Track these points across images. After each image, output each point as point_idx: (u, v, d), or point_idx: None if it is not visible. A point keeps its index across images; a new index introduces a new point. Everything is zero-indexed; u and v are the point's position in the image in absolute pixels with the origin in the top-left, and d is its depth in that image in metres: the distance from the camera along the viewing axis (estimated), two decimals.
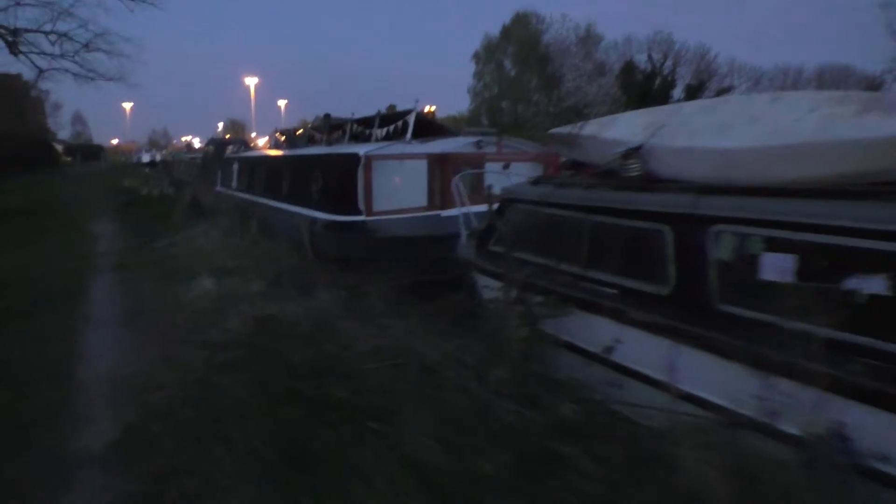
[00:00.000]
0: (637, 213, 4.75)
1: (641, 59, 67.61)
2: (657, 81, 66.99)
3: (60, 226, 17.09)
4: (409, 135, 12.27)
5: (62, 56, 23.39)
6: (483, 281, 6.65)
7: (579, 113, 60.75)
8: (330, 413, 3.86)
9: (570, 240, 5.41)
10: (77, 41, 23.70)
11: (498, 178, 11.47)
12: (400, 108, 16.26)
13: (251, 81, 71.59)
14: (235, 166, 20.19)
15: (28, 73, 27.16)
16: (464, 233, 7.72)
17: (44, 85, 30.69)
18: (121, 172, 43.98)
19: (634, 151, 5.11)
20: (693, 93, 65.83)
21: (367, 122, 14.33)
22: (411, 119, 12.42)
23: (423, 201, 11.41)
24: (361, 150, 11.00)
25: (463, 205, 8.21)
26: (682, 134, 4.86)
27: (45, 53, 23.19)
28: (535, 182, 6.36)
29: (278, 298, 6.76)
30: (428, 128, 12.98)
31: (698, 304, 4.18)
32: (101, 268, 10.72)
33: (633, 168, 5.13)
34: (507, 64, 72.52)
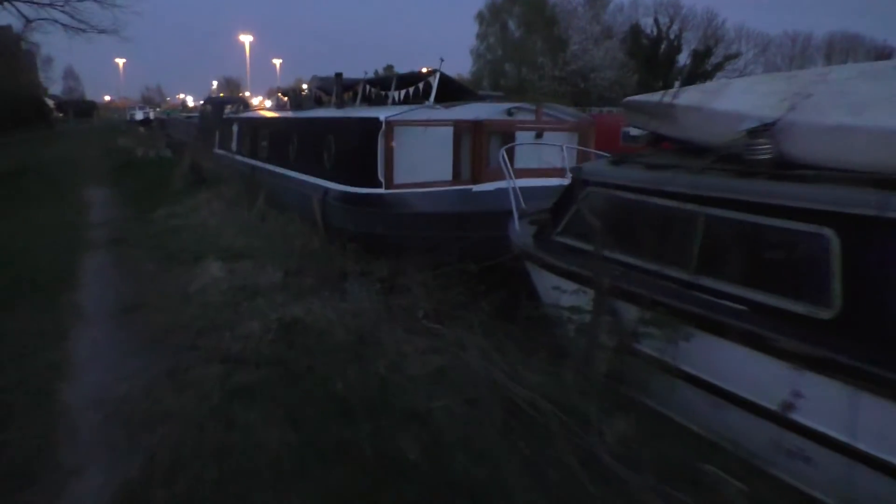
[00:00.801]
0: (782, 209, 3.69)
1: (647, 23, 65.77)
2: (663, 46, 65.15)
3: (51, 191, 15.91)
4: (431, 98, 11.11)
5: (51, 5, 21.88)
6: (545, 278, 5.61)
7: (585, 77, 59.16)
8: (403, 485, 2.85)
9: (674, 237, 4.35)
10: None
11: (534, 151, 10.38)
12: (398, 69, 15.17)
13: (246, 39, 69.66)
14: (235, 128, 18.98)
15: (17, 25, 25.54)
16: (516, 215, 6.65)
17: (33, 37, 28.97)
18: (114, 131, 42.49)
19: (765, 129, 4.03)
20: (700, 58, 64.35)
21: (382, 83, 13.12)
22: (435, 81, 11.23)
23: (449, 174, 10.28)
24: (382, 114, 9.85)
25: (511, 179, 7.10)
26: (837, 107, 3.78)
27: (32, 2, 21.68)
28: (618, 161, 5.27)
29: (302, 294, 5.72)
30: (452, 91, 11.78)
31: (884, 336, 3.16)
32: (95, 243, 9.64)
33: (763, 150, 4.05)
34: (512, 25, 70.37)
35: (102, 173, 19.55)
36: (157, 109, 76.25)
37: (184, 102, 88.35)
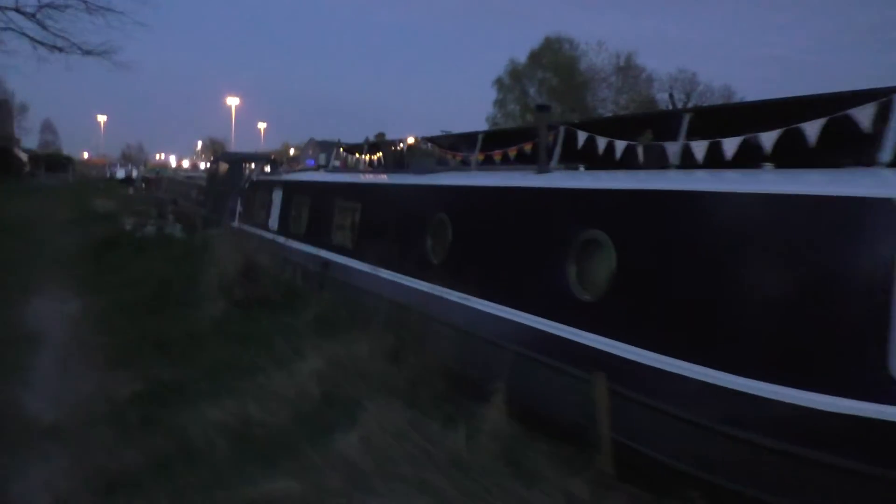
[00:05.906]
0: None
1: (663, 98, 62.05)
2: None
3: None
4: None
5: (16, 9, 15.10)
6: None
7: None
8: None
9: None
10: None
11: None
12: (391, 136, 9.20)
13: (233, 102, 66.82)
14: (277, 196, 12.26)
15: None
16: None
17: None
18: (92, 189, 35.36)
19: None
20: None
21: (613, 127, 6.51)
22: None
23: None
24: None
25: None
26: None
27: None
28: None
29: None
30: None
31: None
32: None
33: None
34: (533, 92, 65.49)
35: (71, 257, 12.50)
36: (142, 167, 69.48)
37: (179, 161, 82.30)
